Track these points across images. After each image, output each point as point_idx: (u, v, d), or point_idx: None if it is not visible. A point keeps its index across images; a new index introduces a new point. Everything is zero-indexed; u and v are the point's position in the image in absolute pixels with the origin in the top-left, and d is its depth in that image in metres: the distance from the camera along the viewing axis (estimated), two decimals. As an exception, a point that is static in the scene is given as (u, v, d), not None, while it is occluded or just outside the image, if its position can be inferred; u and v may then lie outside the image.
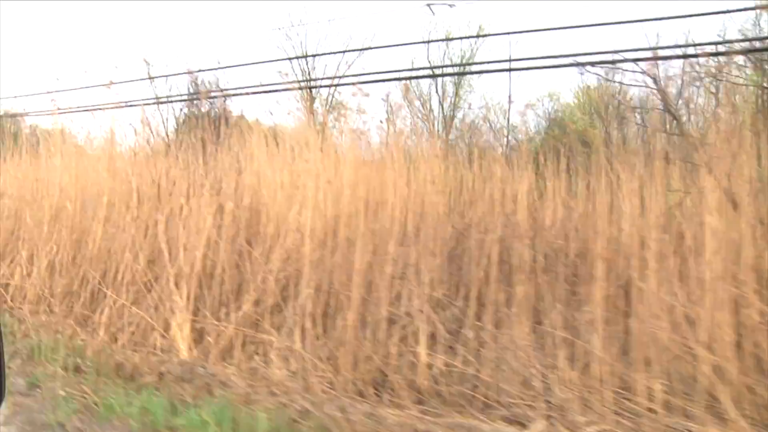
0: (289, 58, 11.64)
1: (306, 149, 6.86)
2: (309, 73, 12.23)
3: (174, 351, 5.53)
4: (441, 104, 11.27)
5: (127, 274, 6.62)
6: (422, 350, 5.29)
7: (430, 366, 5.15)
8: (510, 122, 10.80)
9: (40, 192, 7.75)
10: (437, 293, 5.84)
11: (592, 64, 6.38)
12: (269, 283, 5.89)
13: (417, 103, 11.70)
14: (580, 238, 5.92)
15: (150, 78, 8.71)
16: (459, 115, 11.37)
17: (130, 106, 7.84)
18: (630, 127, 11.43)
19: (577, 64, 6.41)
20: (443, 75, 11.60)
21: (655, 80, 6.38)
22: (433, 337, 5.38)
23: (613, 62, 6.22)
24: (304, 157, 6.74)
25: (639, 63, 6.29)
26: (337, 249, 5.98)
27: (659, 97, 6.32)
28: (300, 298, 5.74)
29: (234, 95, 9.71)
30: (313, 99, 11.47)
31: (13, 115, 10.66)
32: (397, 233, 6.00)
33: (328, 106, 11.70)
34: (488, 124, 10.65)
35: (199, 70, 8.67)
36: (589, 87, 12.40)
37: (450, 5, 7.09)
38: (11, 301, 7.06)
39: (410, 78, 10.38)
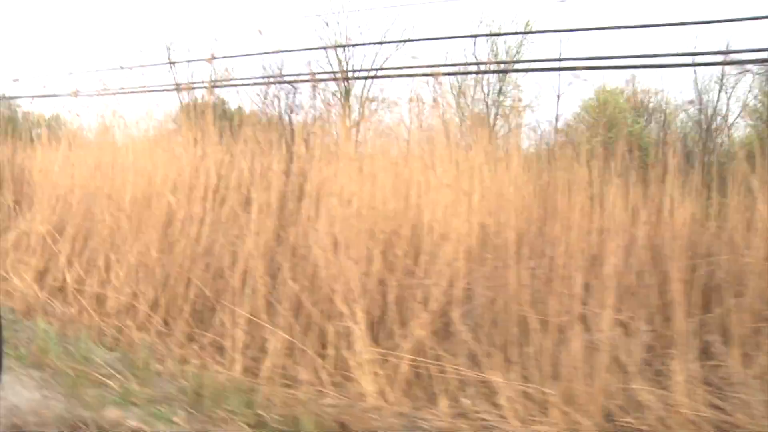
0: (325, 48, 9.87)
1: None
2: (346, 64, 10.48)
3: (348, 388, 4.04)
4: (486, 101, 9.87)
5: (242, 282, 5.02)
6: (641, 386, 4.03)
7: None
8: (557, 121, 9.50)
9: (112, 181, 5.94)
10: (622, 316, 4.58)
11: (754, 62, 5.25)
12: (439, 303, 4.47)
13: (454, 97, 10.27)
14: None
15: (214, 59, 6.94)
16: (500, 112, 10.05)
17: (199, 87, 6.16)
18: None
19: (738, 62, 5.27)
20: (488, 72, 10.15)
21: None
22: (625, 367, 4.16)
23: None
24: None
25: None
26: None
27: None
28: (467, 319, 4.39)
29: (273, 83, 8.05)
30: (348, 91, 9.82)
31: (36, 96, 8.58)
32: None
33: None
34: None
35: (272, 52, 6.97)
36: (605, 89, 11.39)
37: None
38: (91, 310, 5.29)
39: (455, 73, 8.88)
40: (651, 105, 9.69)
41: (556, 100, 8.87)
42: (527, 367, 4.24)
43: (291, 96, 7.09)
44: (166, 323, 5.23)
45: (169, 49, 8.81)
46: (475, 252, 4.87)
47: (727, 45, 7.73)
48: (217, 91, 8.07)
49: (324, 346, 4.57)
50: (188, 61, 8.40)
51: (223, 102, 9.53)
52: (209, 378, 3.91)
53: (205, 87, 7.59)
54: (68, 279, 5.71)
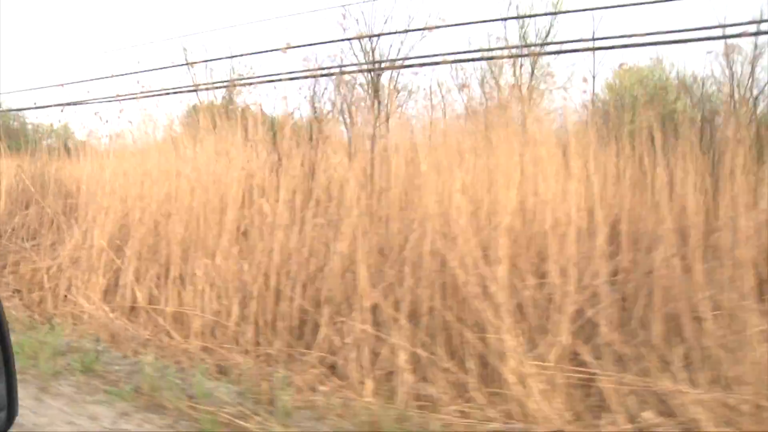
0: (349, 39, 9.04)
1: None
2: (372, 54, 9.64)
3: (505, 407, 3.40)
4: (518, 85, 9.15)
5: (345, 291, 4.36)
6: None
7: None
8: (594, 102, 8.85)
9: (177, 188, 5.18)
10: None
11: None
12: (576, 304, 3.86)
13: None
14: None
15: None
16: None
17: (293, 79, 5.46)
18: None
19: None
20: (521, 55, 9.40)
21: None
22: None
23: None
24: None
25: None
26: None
27: None
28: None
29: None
30: (377, 83, 9.01)
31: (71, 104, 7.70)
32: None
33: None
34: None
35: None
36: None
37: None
38: (173, 331, 4.55)
39: (488, 58, 8.20)
40: (679, 80, 9.10)
41: (592, 80, 8.13)
42: (687, 369, 3.65)
43: (348, 90, 6.35)
44: (257, 342, 4.53)
45: (185, 50, 7.96)
46: (601, 244, 4.26)
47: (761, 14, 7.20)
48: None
49: (452, 357, 3.95)
50: (207, 61, 7.52)
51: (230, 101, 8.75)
52: (353, 409, 3.24)
53: (250, 84, 6.80)
54: (140, 297, 4.96)
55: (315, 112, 6.93)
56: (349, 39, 9.01)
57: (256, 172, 5.04)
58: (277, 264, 4.70)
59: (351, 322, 4.18)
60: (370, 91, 9.48)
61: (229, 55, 6.54)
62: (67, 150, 7.43)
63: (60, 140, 10.27)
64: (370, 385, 3.76)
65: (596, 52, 8.87)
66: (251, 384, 3.65)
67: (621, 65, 10.05)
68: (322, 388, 3.70)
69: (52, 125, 11.16)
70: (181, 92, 7.09)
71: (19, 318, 4.98)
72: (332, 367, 4.15)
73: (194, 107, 7.40)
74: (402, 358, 3.85)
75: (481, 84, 10.01)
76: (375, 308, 4.27)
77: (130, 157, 5.80)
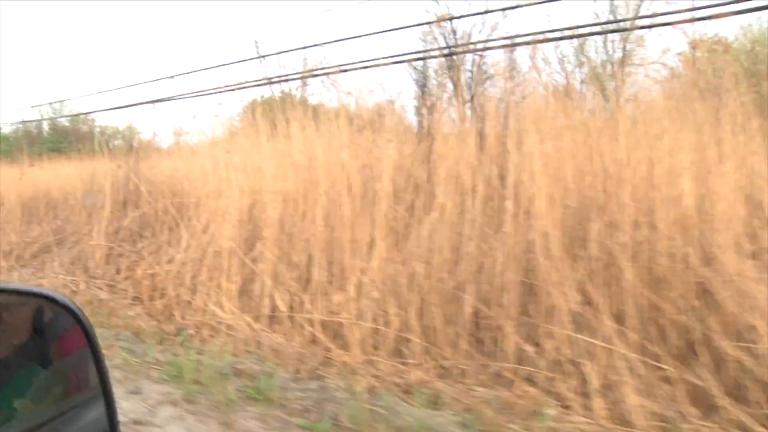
0: (428, 23, 8.24)
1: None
2: (454, 39, 8.88)
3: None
4: (611, 62, 8.47)
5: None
6: None
7: None
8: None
9: (306, 181, 4.51)
10: None
11: None
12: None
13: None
14: None
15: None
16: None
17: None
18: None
19: None
20: (611, 31, 8.64)
21: None
22: None
23: None
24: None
25: None
26: None
27: None
28: None
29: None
30: (458, 67, 8.24)
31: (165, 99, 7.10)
32: None
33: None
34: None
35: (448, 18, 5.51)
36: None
37: None
38: (328, 344, 3.89)
39: (577, 36, 7.35)
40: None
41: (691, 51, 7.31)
42: None
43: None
44: (428, 353, 3.85)
45: (257, 43, 7.35)
46: None
47: None
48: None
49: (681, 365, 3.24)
50: (279, 53, 6.87)
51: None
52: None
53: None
54: (280, 304, 4.31)
55: (423, 97, 6.25)
56: (430, 22, 8.25)
57: (401, 162, 4.35)
58: (439, 263, 4.02)
59: (543, 325, 3.49)
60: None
61: (336, 39, 5.83)
62: (158, 149, 6.84)
63: (127, 140, 9.85)
64: (600, 405, 3.07)
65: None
66: (461, 408, 2.98)
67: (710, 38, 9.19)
68: (549, 411, 3.02)
69: (118, 127, 10.75)
70: (280, 81, 6.43)
71: (148, 330, 4.36)
72: (530, 381, 3.48)
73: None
74: (626, 368, 3.17)
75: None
76: (571, 310, 3.58)
77: (238, 152, 5.12)
